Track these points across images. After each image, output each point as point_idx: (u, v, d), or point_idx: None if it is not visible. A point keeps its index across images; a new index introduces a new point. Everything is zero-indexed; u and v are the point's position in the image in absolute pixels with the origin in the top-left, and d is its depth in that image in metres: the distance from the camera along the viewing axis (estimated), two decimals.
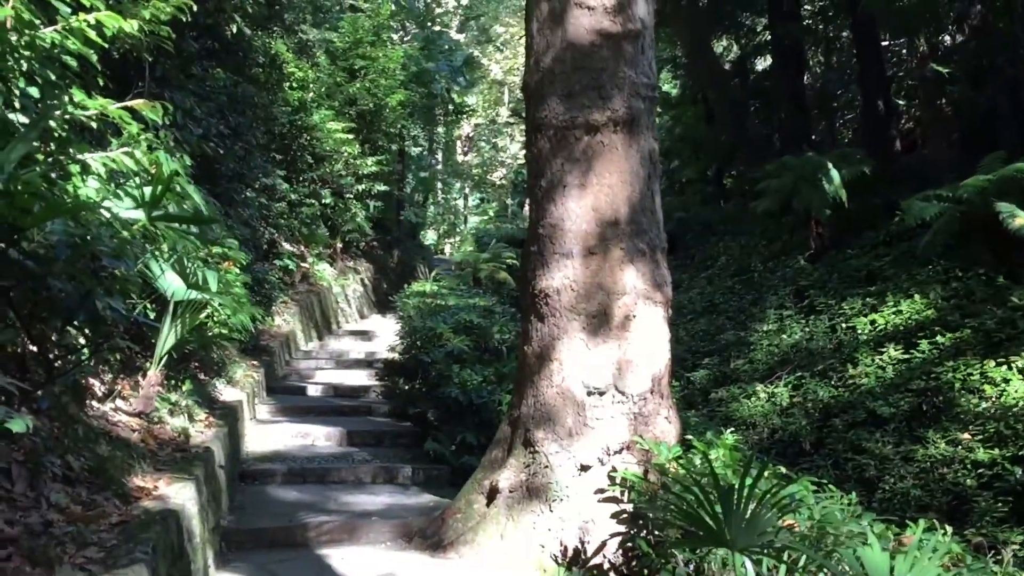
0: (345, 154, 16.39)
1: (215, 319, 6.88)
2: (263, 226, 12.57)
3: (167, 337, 5.98)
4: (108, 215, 4.82)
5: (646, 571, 5.24)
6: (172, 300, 5.91)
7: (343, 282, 17.27)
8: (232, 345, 8.99)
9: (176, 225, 5.79)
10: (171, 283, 5.87)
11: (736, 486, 3.73)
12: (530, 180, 6.82)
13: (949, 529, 4.53)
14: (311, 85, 15.70)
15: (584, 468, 6.11)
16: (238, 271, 7.66)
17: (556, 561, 5.91)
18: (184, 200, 6.26)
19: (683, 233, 22.54)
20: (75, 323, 4.58)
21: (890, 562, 3.48)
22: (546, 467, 6.13)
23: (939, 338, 11.06)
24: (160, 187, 5.30)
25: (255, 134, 11.16)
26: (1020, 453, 8.75)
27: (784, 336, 13.97)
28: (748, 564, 4.09)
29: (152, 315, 6.27)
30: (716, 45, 24.54)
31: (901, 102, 20.27)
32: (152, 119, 6.08)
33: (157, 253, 5.87)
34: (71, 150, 5.16)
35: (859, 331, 12.63)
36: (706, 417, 12.42)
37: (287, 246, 14.25)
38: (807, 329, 13.75)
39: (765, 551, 3.86)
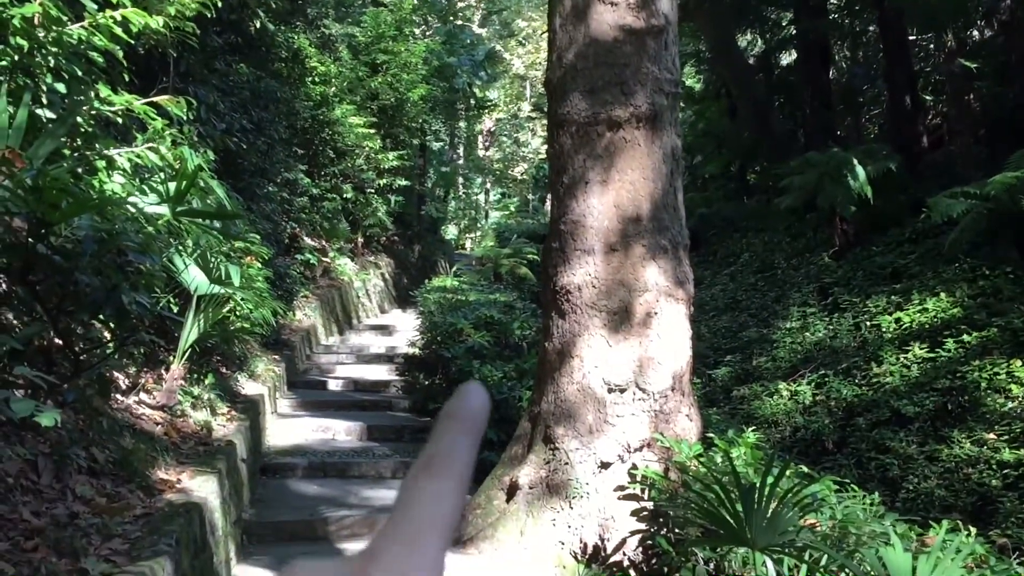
0: (367, 148, 16.42)
1: (237, 313, 6.92)
2: (285, 220, 12.63)
3: (190, 331, 6.02)
4: (134, 210, 4.86)
5: (666, 569, 5.23)
6: (195, 294, 5.95)
7: (364, 277, 17.32)
8: (254, 339, 9.04)
9: (200, 220, 5.83)
10: (195, 277, 5.91)
11: (757, 485, 3.71)
12: (552, 176, 6.81)
13: (973, 530, 4.49)
14: (333, 80, 15.75)
15: (604, 465, 6.10)
16: (260, 265, 7.70)
17: (576, 558, 5.91)
18: (207, 195, 6.30)
19: (706, 229, 22.43)
20: (101, 317, 4.62)
21: (912, 563, 3.45)
22: (566, 464, 6.12)
23: (965, 337, 10.95)
24: (184, 182, 5.34)
25: (277, 129, 11.20)
26: None
27: (807, 334, 13.88)
28: (769, 563, 4.07)
29: (175, 309, 6.32)
30: (740, 40, 24.39)
31: (928, 98, 20.07)
32: (176, 114, 6.13)
33: (181, 248, 5.91)
34: (97, 145, 5.20)
35: (884, 329, 12.52)
36: (728, 415, 12.37)
37: (308, 241, 14.31)
38: (831, 327, 13.66)
39: (786, 550, 3.84)
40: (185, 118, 6.48)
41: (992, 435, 9.30)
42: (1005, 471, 8.79)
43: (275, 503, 7.01)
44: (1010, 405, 9.50)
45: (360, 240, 17.67)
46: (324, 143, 15.26)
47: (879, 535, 4.32)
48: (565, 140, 6.49)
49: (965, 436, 9.52)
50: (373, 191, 17.12)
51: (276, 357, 10.32)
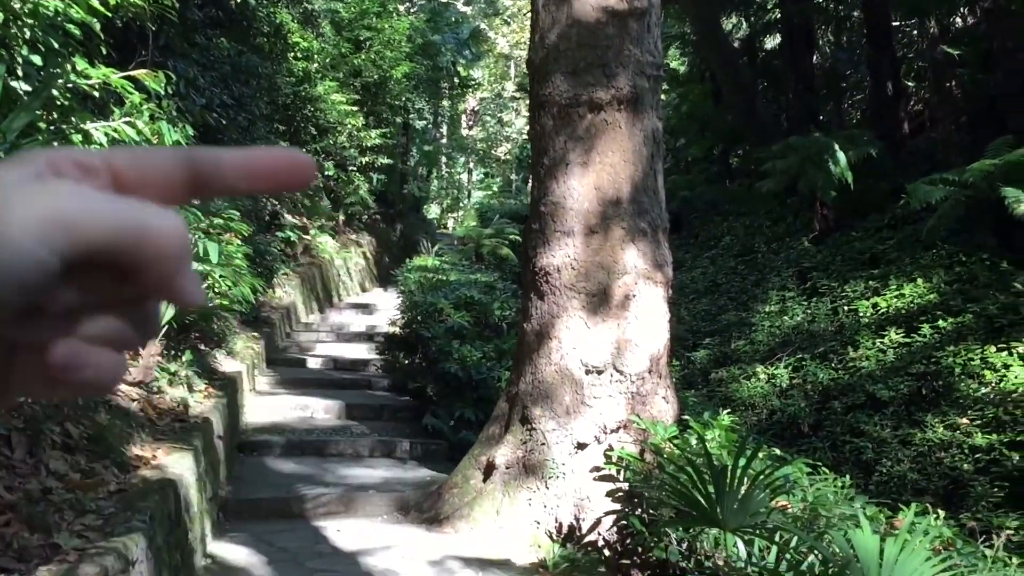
0: (349, 126, 16.32)
1: (216, 290, 6.88)
2: (265, 197, 12.55)
3: (167, 307, 5.99)
4: None
5: (639, 549, 5.29)
6: None
7: (345, 255, 17.26)
8: (232, 316, 9.00)
9: None
10: None
11: (730, 467, 3.74)
12: (533, 157, 6.81)
13: (942, 513, 4.55)
14: (315, 56, 15.61)
15: (581, 446, 6.14)
16: (239, 242, 7.66)
17: (551, 537, 5.96)
18: None
19: (687, 212, 22.49)
20: None
21: (880, 545, 3.50)
22: (543, 444, 6.16)
23: (941, 322, 11.05)
24: None
25: (258, 105, 11.11)
26: (1018, 439, 8.77)
27: (786, 318, 13.97)
28: (740, 544, 4.12)
29: None
30: (725, 23, 24.35)
31: (910, 84, 20.13)
32: (155, 89, 6.06)
33: None
34: (74, 119, 5.15)
35: (861, 314, 12.62)
36: (706, 397, 12.46)
37: (289, 218, 14.24)
38: (809, 311, 13.75)
39: (757, 532, 3.89)
40: (164, 92, 6.41)
41: (965, 420, 9.41)
42: (977, 455, 8.91)
43: (252, 480, 7.02)
44: (983, 390, 9.62)
45: (341, 218, 17.59)
46: (306, 120, 15.15)
47: (849, 517, 4.38)
48: (547, 121, 6.48)
49: (938, 420, 9.64)
50: (355, 169, 17.03)
51: (255, 335, 10.29)
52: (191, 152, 0.47)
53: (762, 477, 3.92)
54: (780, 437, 10.84)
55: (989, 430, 9.10)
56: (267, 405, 9.20)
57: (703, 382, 13.64)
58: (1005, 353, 9.86)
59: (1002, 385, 9.48)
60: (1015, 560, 4.22)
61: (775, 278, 15.76)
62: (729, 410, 7.72)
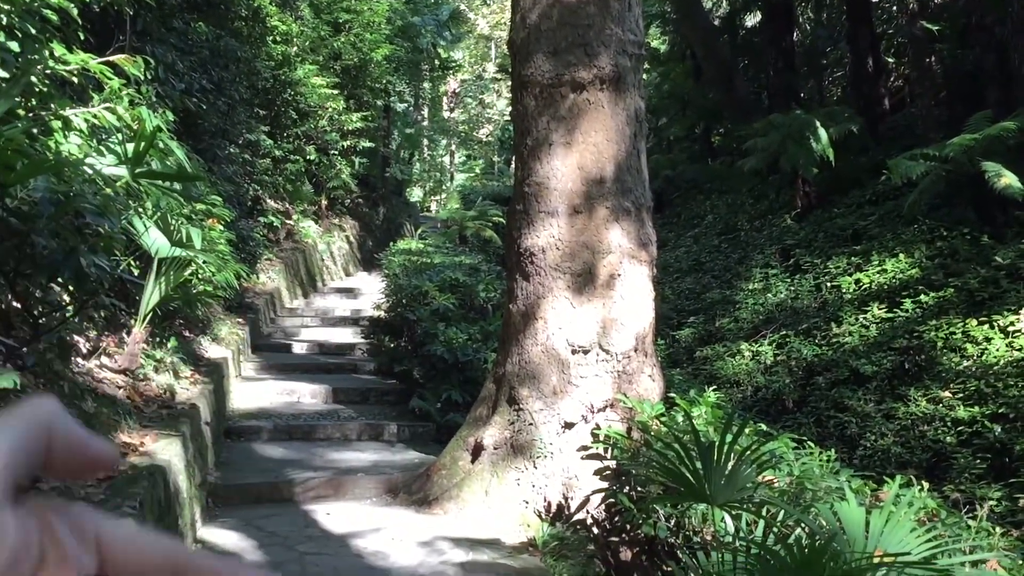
0: (330, 110, 16.23)
1: (199, 276, 6.85)
2: (247, 183, 12.48)
3: (151, 294, 5.96)
4: (91, 172, 4.78)
5: (628, 526, 5.33)
6: (156, 257, 5.88)
7: (328, 239, 17.21)
8: (217, 303, 8.97)
9: (159, 182, 5.75)
10: (155, 240, 5.84)
11: (716, 443, 3.77)
12: (516, 138, 6.80)
13: (926, 485, 4.61)
14: (295, 39, 15.50)
15: (568, 425, 6.17)
16: (222, 228, 7.63)
17: (540, 516, 5.99)
18: (167, 156, 6.20)
19: (670, 191, 22.54)
20: (59, 280, 4.57)
21: (866, 517, 3.54)
22: (530, 424, 6.18)
23: (923, 297, 11.15)
24: (143, 143, 5.26)
25: (238, 89, 11.03)
26: (1000, 411, 8.87)
27: (769, 295, 14.05)
28: (727, 519, 4.16)
29: (136, 272, 6.25)
30: (705, 1, 24.32)
31: (890, 60, 20.19)
32: (133, 74, 6.01)
33: (141, 210, 5.83)
34: (53, 106, 5.10)
35: (844, 290, 12.71)
36: (691, 375, 12.54)
37: (272, 203, 14.18)
38: (792, 288, 13.83)
39: (744, 506, 3.92)
40: (143, 78, 6.36)
41: (947, 393, 9.51)
42: (959, 428, 9.01)
43: (240, 466, 7.02)
44: (965, 364, 9.72)
45: (324, 202, 17.52)
46: (286, 104, 15.05)
47: (835, 490, 4.43)
48: (529, 102, 6.47)
49: (921, 394, 9.73)
50: (337, 153, 16.95)
51: (240, 320, 10.26)
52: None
53: (748, 453, 3.95)
54: (765, 413, 10.93)
55: (971, 403, 9.20)
56: (253, 390, 9.19)
57: (688, 360, 13.71)
58: (987, 326, 9.96)
59: (984, 358, 9.58)
60: (998, 530, 4.29)
61: (758, 256, 15.83)
62: (714, 387, 7.77)
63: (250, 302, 11.43)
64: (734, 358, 12.73)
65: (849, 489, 4.06)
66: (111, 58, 5.70)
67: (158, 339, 6.79)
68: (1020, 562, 4.00)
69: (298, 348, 11.67)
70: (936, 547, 3.48)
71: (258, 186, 13.28)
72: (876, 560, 3.22)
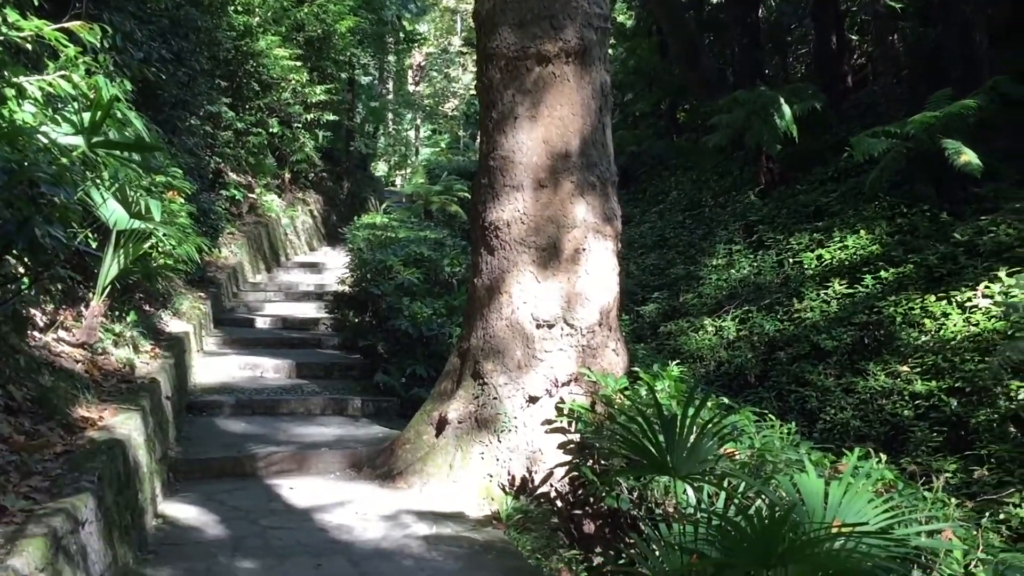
0: (293, 82, 16.01)
1: (159, 249, 6.76)
2: (208, 155, 12.30)
3: (110, 267, 5.87)
4: (46, 141, 4.68)
5: (591, 499, 5.37)
6: (114, 229, 5.79)
7: (292, 213, 17.04)
8: (178, 276, 8.86)
9: (117, 152, 5.64)
10: (113, 212, 5.74)
11: (679, 416, 3.80)
12: (481, 111, 6.75)
13: (884, 458, 4.68)
14: (257, 9, 15.23)
15: (532, 400, 6.18)
16: (183, 201, 7.52)
17: (504, 490, 6.02)
18: (125, 127, 6.08)
19: (635, 167, 22.57)
20: (14, 252, 4.47)
21: (825, 488, 3.59)
22: (495, 399, 6.19)
23: (883, 273, 11.29)
24: (99, 112, 5.15)
25: (199, 60, 10.83)
26: (956, 385, 9.03)
27: (733, 271, 14.15)
28: (689, 491, 4.20)
29: (94, 245, 6.15)
30: None
31: (854, 37, 20.30)
32: (90, 41, 5.88)
33: (98, 181, 5.72)
34: (6, 73, 4.97)
35: (805, 266, 12.83)
36: (655, 350, 12.62)
37: (234, 176, 13.99)
38: (755, 264, 13.94)
39: (706, 478, 3.96)
40: (100, 46, 6.22)
41: (905, 367, 9.66)
42: (917, 402, 9.16)
43: (202, 440, 6.96)
44: (923, 338, 9.87)
45: (287, 176, 17.33)
46: (248, 75, 14.82)
47: (795, 463, 4.49)
48: (494, 74, 6.42)
49: (880, 369, 9.88)
50: (300, 126, 16.75)
51: (201, 295, 10.15)
52: None
53: (710, 426, 3.99)
54: (728, 387, 11.05)
55: (929, 377, 9.35)
56: (216, 365, 9.10)
57: (652, 335, 13.80)
58: (944, 302, 10.11)
59: (941, 333, 9.74)
60: (953, 501, 4.37)
61: (722, 232, 15.93)
62: (678, 362, 7.82)
63: (212, 276, 11.30)
64: (697, 333, 12.82)
65: (808, 461, 4.12)
66: (67, 25, 5.57)
67: (117, 313, 6.70)
68: (974, 532, 4.08)
69: (261, 323, 11.57)
70: (893, 517, 3.54)
71: (220, 159, 13.10)
72: (834, 530, 3.27)
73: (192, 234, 7.26)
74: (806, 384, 10.46)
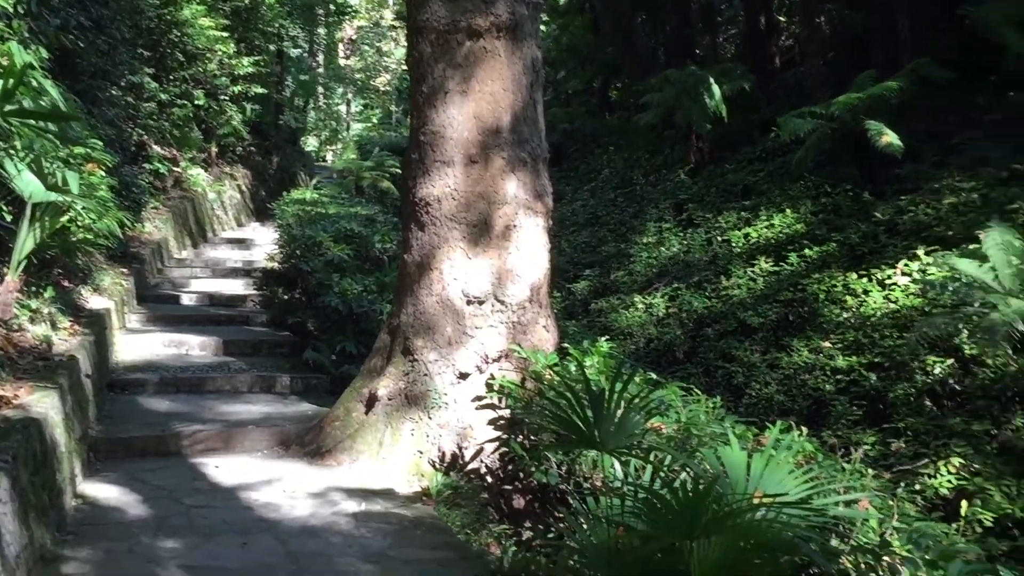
0: (219, 53, 15.61)
1: (78, 223, 6.55)
2: (131, 127, 11.95)
3: (25, 241, 5.67)
4: None
5: (521, 474, 5.40)
6: (30, 202, 5.59)
7: (219, 188, 16.68)
8: (98, 251, 8.60)
9: (32, 122, 5.45)
10: (28, 183, 5.54)
11: (606, 391, 3.83)
12: (412, 85, 6.67)
13: (805, 430, 4.79)
14: None
15: (463, 376, 6.18)
16: (103, 173, 7.30)
17: (434, 466, 6.01)
18: (41, 96, 5.87)
19: (568, 145, 22.62)
20: None
21: (747, 460, 3.66)
22: (425, 375, 6.17)
23: (807, 251, 11.53)
24: (12, 80, 4.96)
25: (120, 28, 10.49)
26: (876, 360, 9.30)
27: (663, 249, 14.32)
28: (616, 465, 4.24)
29: (9, 218, 5.93)
30: None
31: (782, 19, 20.61)
32: (3, 7, 5.65)
33: (12, 152, 5.52)
34: None
35: (733, 244, 13.05)
36: (586, 327, 12.71)
37: (158, 149, 13.61)
38: (685, 242, 14.13)
39: (633, 452, 4.00)
40: (13, 11, 5.98)
41: (828, 343, 9.91)
42: (838, 377, 9.41)
43: (125, 419, 6.79)
44: (845, 315, 10.13)
45: (214, 150, 16.94)
46: (172, 45, 14.39)
47: (719, 436, 4.57)
48: (424, 48, 6.34)
49: (804, 345, 10.12)
50: (227, 99, 16.36)
51: (124, 271, 9.88)
52: None
53: (637, 400, 4.04)
54: (657, 363, 11.19)
55: (849, 353, 9.61)
56: (139, 343, 8.89)
57: (584, 312, 13.90)
58: (865, 280, 10.39)
59: (862, 310, 10.00)
60: (870, 472, 4.50)
61: (653, 210, 16.09)
62: (608, 338, 7.90)
63: (135, 252, 11.01)
64: (628, 310, 12.96)
65: (732, 434, 4.19)
66: None
67: (34, 288, 6.48)
68: (890, 502, 4.21)
69: (187, 299, 11.32)
70: (812, 488, 3.63)
71: (143, 131, 12.73)
72: (756, 501, 3.34)
73: (113, 208, 7.06)
74: (733, 360, 10.66)
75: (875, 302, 9.96)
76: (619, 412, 3.90)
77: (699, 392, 5.73)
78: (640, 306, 12.93)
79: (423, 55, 6.36)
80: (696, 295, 12.33)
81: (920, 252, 10.01)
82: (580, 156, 22.10)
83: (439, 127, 6.27)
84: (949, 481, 7.39)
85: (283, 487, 5.65)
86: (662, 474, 3.90)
